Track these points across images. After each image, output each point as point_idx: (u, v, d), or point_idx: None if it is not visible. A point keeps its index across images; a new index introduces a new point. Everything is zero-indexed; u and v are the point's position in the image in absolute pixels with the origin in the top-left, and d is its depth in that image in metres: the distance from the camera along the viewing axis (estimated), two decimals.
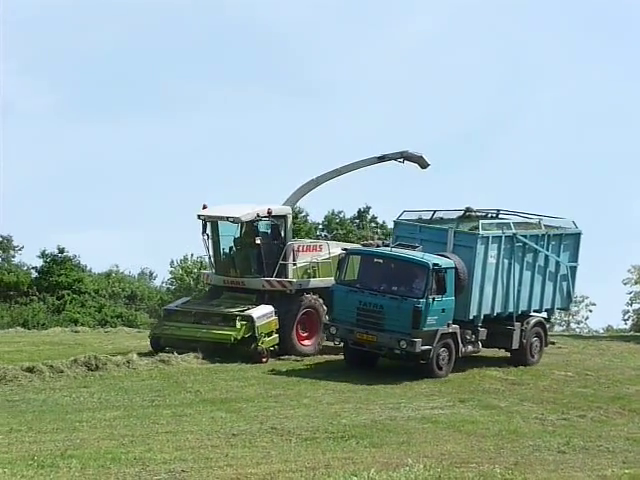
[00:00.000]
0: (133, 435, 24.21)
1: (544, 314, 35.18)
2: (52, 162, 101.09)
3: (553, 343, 35.46)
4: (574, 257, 35.07)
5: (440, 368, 31.13)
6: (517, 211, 35.18)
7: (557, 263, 34.27)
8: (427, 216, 34.71)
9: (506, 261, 32.76)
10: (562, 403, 29.44)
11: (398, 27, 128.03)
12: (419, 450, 22.91)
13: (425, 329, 30.32)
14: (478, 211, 35.42)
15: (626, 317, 54.04)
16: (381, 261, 31.65)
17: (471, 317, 32.16)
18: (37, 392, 28.82)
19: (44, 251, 73.74)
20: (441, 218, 34.82)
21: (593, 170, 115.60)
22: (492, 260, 32.25)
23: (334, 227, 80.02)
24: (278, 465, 21.44)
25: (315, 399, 28.78)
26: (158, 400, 28.23)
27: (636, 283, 52.69)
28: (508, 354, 34.50)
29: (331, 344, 34.20)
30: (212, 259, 36.21)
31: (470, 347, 32.33)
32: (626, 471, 21.72)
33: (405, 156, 35.42)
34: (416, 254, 31.36)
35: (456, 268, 31.14)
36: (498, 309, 33.01)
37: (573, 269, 35.05)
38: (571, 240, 35.01)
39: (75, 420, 25.52)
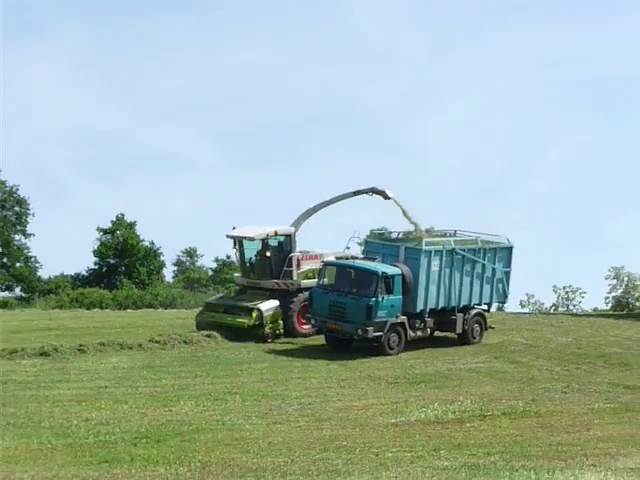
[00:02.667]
0: (276, 379, 25.85)
1: (484, 306, 33.99)
2: (219, 198, 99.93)
3: (492, 327, 34.20)
4: (508, 264, 33.96)
5: (391, 348, 30.48)
6: (469, 231, 34.40)
7: (493, 269, 33.32)
8: (395, 235, 34.24)
9: (447, 268, 32.03)
10: (564, 359, 30.33)
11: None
12: (467, 391, 24.40)
13: (376, 320, 29.96)
14: (439, 231, 34.77)
15: (607, 301, 55.35)
16: (348, 270, 31.25)
17: (418, 310, 31.43)
18: (212, 350, 30.15)
19: (217, 257, 79.50)
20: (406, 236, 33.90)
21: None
22: (435, 268, 31.69)
23: None
24: (372, 400, 23.20)
25: (397, 357, 30.12)
26: (291, 357, 29.54)
27: (613, 278, 54.18)
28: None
29: None
30: (239, 266, 36.23)
31: (419, 332, 31.69)
32: (608, 405, 23.20)
33: (374, 191, 34.47)
34: (371, 264, 31.13)
35: (403, 274, 30.75)
36: (442, 304, 32.22)
37: (507, 273, 33.98)
38: (505, 252, 34.02)
39: (237, 369, 27.18)
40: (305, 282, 33.71)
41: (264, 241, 34.01)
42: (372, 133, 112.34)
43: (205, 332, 32.17)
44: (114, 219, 75.57)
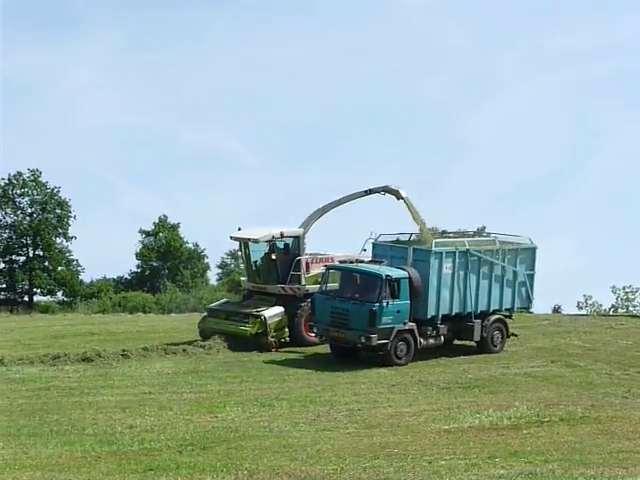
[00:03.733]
0: (324, 385, 25.92)
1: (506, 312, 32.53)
2: (264, 198, 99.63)
3: (515, 335, 32.67)
4: (531, 267, 32.63)
5: (399, 358, 29.27)
6: (490, 232, 33.60)
7: (514, 272, 31.96)
8: (405, 237, 32.79)
9: (461, 271, 30.80)
10: (624, 363, 29.94)
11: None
12: (523, 396, 24.16)
13: (381, 327, 28.77)
14: (453, 232, 34.12)
15: None
16: (350, 274, 30.31)
17: (429, 316, 30.22)
18: (258, 355, 30.31)
19: None
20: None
21: None
22: (448, 271, 30.49)
23: None
24: (424, 406, 23.12)
25: (449, 361, 30.08)
26: (339, 362, 29.46)
27: None
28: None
29: None
30: (245, 270, 35.39)
31: (431, 340, 30.43)
32: None
33: (386, 190, 33.07)
34: (374, 267, 30.00)
35: (410, 277, 29.50)
36: (456, 309, 30.97)
37: (531, 276, 32.59)
38: (528, 253, 32.72)
39: (284, 374, 27.31)
40: (314, 287, 32.16)
41: (270, 243, 33.00)
42: (418, 129, 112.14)
43: None
44: (157, 221, 76.24)
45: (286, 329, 32.05)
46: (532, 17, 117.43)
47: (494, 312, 32.06)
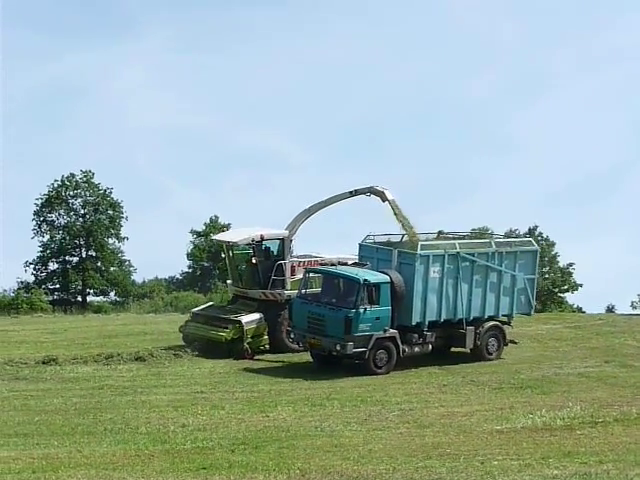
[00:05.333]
0: (375, 385, 25.97)
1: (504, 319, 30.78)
2: (314, 198, 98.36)
3: (515, 342, 30.85)
4: (532, 271, 30.83)
5: (379, 367, 27.76)
6: (489, 233, 32.41)
7: (513, 277, 30.16)
8: (397, 238, 30.82)
9: (451, 275, 29.15)
10: None
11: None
12: (576, 396, 24.00)
13: (357, 334, 27.30)
14: (450, 233, 31.95)
15: None
16: (328, 277, 28.91)
17: (414, 323, 28.58)
18: (308, 355, 29.66)
19: None
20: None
21: None
22: (435, 275, 28.86)
23: None
24: (476, 406, 23.11)
25: (501, 361, 29.88)
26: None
27: None
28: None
29: None
30: (230, 273, 33.81)
31: (417, 348, 28.74)
32: None
33: (372, 191, 31.42)
34: (353, 271, 28.58)
35: (392, 282, 27.95)
36: (445, 316, 29.26)
37: (531, 281, 30.78)
38: (529, 257, 30.84)
39: (335, 374, 27.35)
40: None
41: (252, 247, 31.90)
42: (468, 127, 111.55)
43: None
44: (208, 221, 76.58)
45: (265, 336, 30.83)
46: (582, 15, 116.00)
47: (489, 318, 30.29)
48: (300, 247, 33.57)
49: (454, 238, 31.40)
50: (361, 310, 27.49)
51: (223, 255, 33.01)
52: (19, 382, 26.10)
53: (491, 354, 30.17)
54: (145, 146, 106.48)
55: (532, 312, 32.07)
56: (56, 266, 72.71)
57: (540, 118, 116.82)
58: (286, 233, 32.50)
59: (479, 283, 29.90)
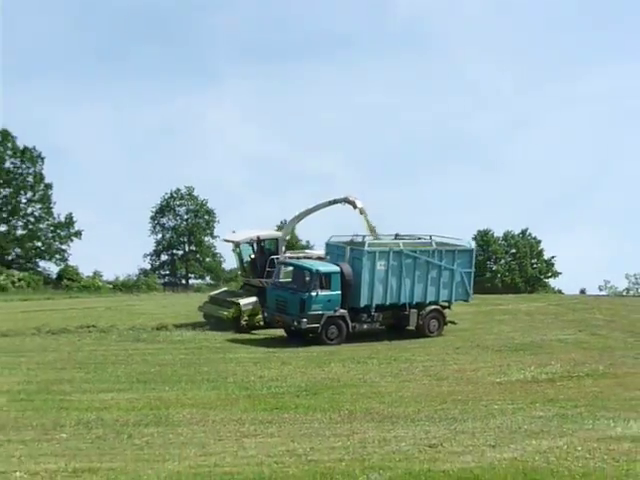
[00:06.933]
0: (404, 347, 25.91)
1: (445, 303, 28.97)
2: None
3: (454, 323, 29.26)
4: (469, 265, 28.87)
5: (331, 339, 26.65)
6: (442, 235, 29.12)
7: (451, 270, 28.40)
8: (359, 239, 28.90)
9: (395, 268, 27.57)
10: (636, 332, 28.93)
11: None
12: (557, 357, 23.68)
13: (311, 313, 26.38)
14: (406, 235, 29.55)
15: None
16: (290, 267, 28.15)
17: (362, 305, 27.33)
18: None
19: None
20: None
21: None
22: (381, 267, 27.39)
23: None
24: (481, 364, 22.82)
25: (500, 330, 29.62)
26: (414, 331, 28.44)
27: None
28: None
29: None
30: (239, 266, 32.46)
31: (365, 326, 27.57)
32: None
33: (346, 200, 29.73)
34: (309, 262, 27.87)
35: (342, 272, 26.85)
36: (391, 300, 27.71)
37: (469, 274, 28.79)
38: (466, 254, 29.01)
39: (373, 339, 27.33)
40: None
41: (252, 244, 30.50)
42: (471, 154, 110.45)
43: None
44: (278, 224, 76.73)
45: (259, 315, 29.47)
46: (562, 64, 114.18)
47: (431, 303, 28.59)
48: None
49: (402, 239, 29.14)
50: (313, 294, 26.51)
51: (232, 251, 31.52)
52: (139, 343, 26.39)
53: (432, 332, 28.56)
54: (232, 167, 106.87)
55: (469, 299, 29.67)
56: (166, 257, 73.73)
57: (527, 145, 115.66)
58: (279, 234, 31.37)
59: (421, 274, 28.19)
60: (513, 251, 74.50)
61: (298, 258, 29.01)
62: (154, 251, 72.93)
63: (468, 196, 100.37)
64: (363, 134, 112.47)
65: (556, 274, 74.53)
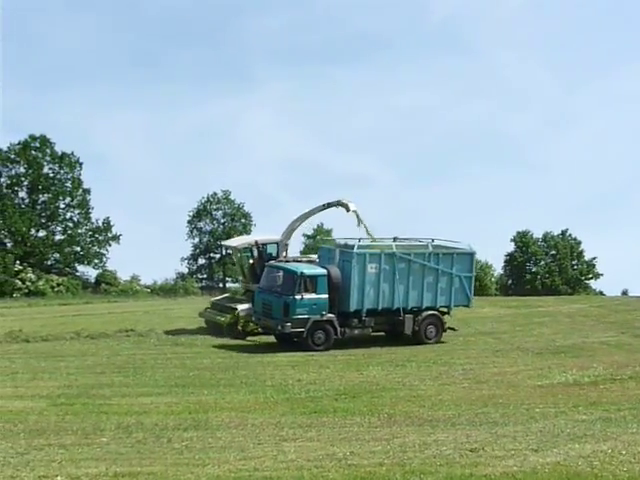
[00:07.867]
0: (443, 350, 25.86)
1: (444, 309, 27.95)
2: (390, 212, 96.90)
3: (454, 329, 28.07)
4: (469, 269, 27.85)
5: (317, 345, 25.80)
6: (439, 238, 28.22)
7: (450, 274, 27.32)
8: (353, 242, 27.47)
9: (388, 271, 26.54)
10: None
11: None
12: (599, 359, 23.56)
13: (295, 317, 25.53)
14: (405, 238, 28.38)
15: None
16: (277, 270, 27.06)
17: (352, 309, 26.37)
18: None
19: None
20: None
21: None
22: (373, 270, 26.37)
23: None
24: (522, 367, 22.74)
25: (541, 332, 29.42)
26: (455, 335, 28.41)
27: None
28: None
29: None
30: (240, 271, 31.90)
31: (357, 331, 26.62)
32: None
33: (339, 204, 29.10)
34: (293, 265, 26.85)
35: (329, 275, 25.93)
36: (383, 305, 26.70)
37: (468, 278, 27.74)
38: (465, 258, 27.84)
39: (413, 342, 27.16)
40: None
41: (252, 249, 29.86)
42: (506, 155, 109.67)
43: None
44: (315, 227, 76.78)
45: None
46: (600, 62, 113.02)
47: (427, 309, 27.45)
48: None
49: (401, 242, 28.10)
50: (298, 297, 25.59)
51: (232, 257, 30.42)
52: (178, 347, 26.48)
53: (430, 339, 27.42)
54: (267, 171, 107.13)
55: (470, 304, 28.41)
56: (203, 261, 74.02)
57: (566, 145, 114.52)
58: (278, 238, 30.23)
59: (417, 278, 27.09)
60: (553, 252, 73.74)
61: (287, 261, 28.41)
62: (191, 255, 73.33)
63: (506, 197, 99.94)
64: (399, 136, 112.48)
65: (597, 275, 73.58)
